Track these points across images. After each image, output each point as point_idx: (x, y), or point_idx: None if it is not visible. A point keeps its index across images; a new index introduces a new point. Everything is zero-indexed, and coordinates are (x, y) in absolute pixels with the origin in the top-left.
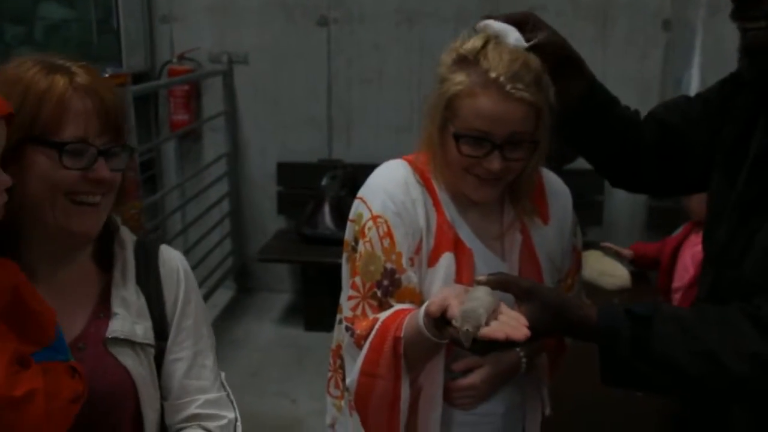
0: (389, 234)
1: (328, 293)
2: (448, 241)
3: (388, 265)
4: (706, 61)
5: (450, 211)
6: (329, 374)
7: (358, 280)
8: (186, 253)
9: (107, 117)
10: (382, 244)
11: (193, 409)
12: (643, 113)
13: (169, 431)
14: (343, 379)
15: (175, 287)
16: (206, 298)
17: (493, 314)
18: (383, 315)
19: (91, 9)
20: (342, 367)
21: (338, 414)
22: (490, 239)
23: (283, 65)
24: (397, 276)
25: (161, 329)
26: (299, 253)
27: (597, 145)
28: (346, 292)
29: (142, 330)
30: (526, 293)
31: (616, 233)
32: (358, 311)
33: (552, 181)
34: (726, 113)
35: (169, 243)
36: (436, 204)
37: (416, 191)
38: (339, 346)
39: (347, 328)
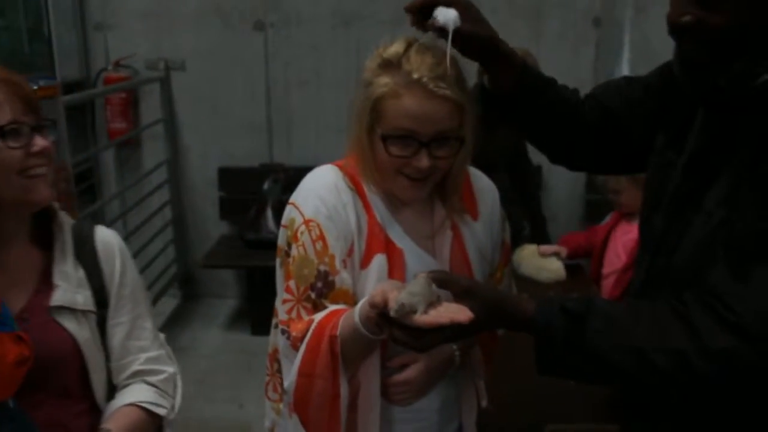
0: (322, 237)
1: (274, 297)
2: (379, 242)
3: (322, 268)
4: (635, 58)
5: (380, 212)
6: (267, 378)
7: (292, 283)
8: None
9: (27, 99)
10: (314, 247)
11: (135, 367)
12: None
13: (117, 389)
14: (281, 383)
15: (112, 260)
16: (152, 305)
17: (432, 306)
18: (318, 316)
19: (20, 17)
20: (279, 371)
21: (277, 417)
22: (422, 238)
23: (221, 70)
24: (330, 278)
25: (101, 298)
26: (243, 258)
27: (535, 126)
28: (281, 296)
29: (83, 298)
30: (465, 291)
31: (555, 227)
32: (293, 314)
33: (478, 178)
34: (666, 100)
35: None
36: (367, 206)
37: (346, 195)
38: (275, 350)
39: (283, 332)
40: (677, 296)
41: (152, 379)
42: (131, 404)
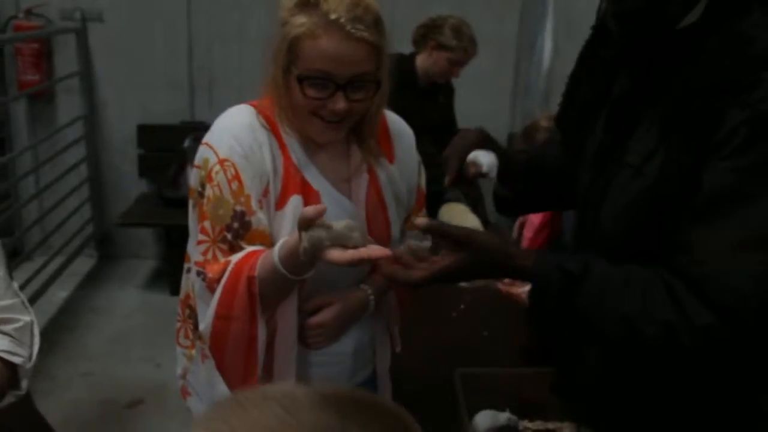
0: (237, 177)
1: None
2: (295, 183)
3: (238, 208)
4: (558, 25)
5: (296, 154)
6: (178, 324)
7: (207, 224)
8: (42, 218)
9: None
10: (230, 187)
11: None
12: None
13: None
14: (193, 329)
15: None
16: (65, 265)
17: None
18: (235, 257)
19: None
20: (191, 316)
21: (189, 364)
22: (339, 181)
23: (141, 24)
24: (246, 218)
25: None
26: (162, 217)
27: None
28: (194, 238)
29: None
30: (464, 239)
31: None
32: (209, 255)
33: (395, 121)
34: (587, 73)
35: (23, 208)
36: (282, 147)
37: (262, 135)
38: (188, 296)
39: (198, 273)
40: (667, 265)
41: (6, 327)
42: None
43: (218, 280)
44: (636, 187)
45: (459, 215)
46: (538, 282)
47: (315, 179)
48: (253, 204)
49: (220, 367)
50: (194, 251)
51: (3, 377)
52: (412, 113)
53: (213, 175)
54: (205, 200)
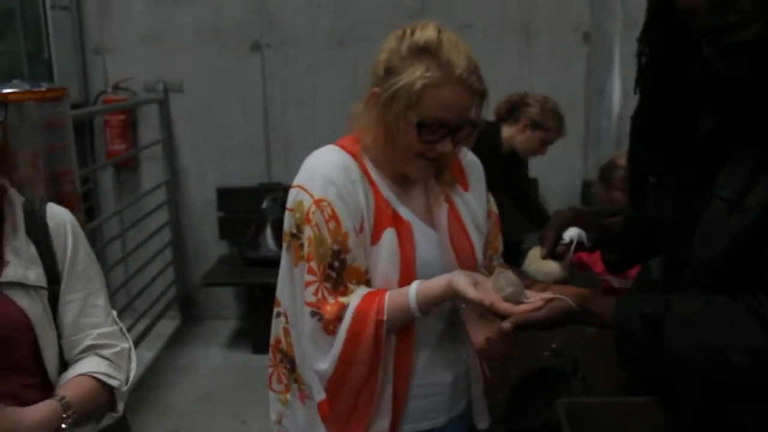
0: (334, 216)
1: None
2: (387, 217)
3: (335, 247)
4: (625, 71)
5: (384, 189)
6: (270, 370)
7: (313, 264)
8: (127, 282)
9: None
10: (328, 226)
11: (87, 342)
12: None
13: (69, 364)
14: (289, 372)
15: (64, 238)
16: (150, 328)
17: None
18: (353, 301)
19: (20, 41)
20: (282, 361)
21: (284, 408)
22: (421, 212)
23: (219, 91)
24: (342, 256)
25: (53, 275)
26: (243, 276)
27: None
28: (285, 282)
29: (34, 275)
30: (548, 324)
31: (552, 210)
32: (320, 295)
33: (464, 152)
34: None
35: (109, 271)
36: (372, 184)
37: (354, 173)
38: (278, 341)
39: (313, 314)
40: (751, 293)
41: (105, 352)
42: (84, 374)
43: (334, 322)
44: (736, 223)
45: (542, 261)
46: (620, 332)
47: (404, 212)
48: (350, 242)
49: (332, 404)
50: (306, 292)
51: (102, 398)
52: (493, 171)
53: (311, 215)
54: (306, 241)
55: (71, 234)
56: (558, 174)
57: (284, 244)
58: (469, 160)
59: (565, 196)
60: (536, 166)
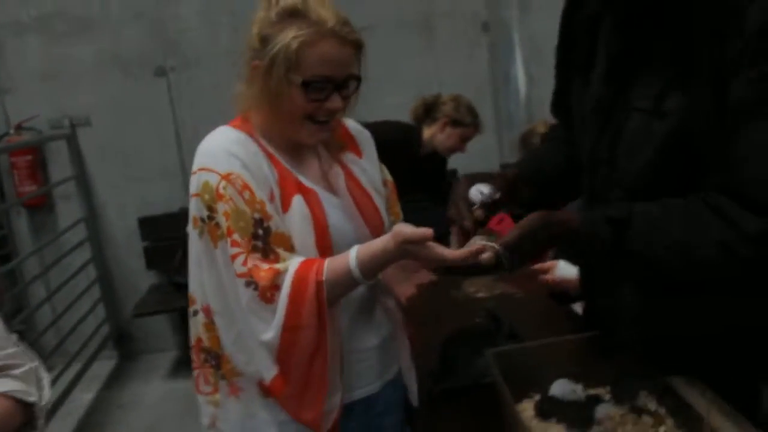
0: (246, 187)
1: None
2: (291, 185)
3: (256, 216)
4: (526, 56)
5: (282, 159)
6: (195, 373)
7: (236, 237)
8: (55, 322)
9: None
10: (243, 197)
11: None
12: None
13: None
14: (213, 373)
15: None
16: (85, 369)
17: None
18: (291, 267)
19: None
20: (207, 360)
21: (216, 410)
22: (320, 181)
23: (128, 120)
24: (266, 224)
25: None
26: (175, 302)
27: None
28: (200, 274)
29: None
30: (518, 240)
31: None
32: (250, 264)
33: (351, 123)
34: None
35: (34, 313)
36: (271, 156)
37: (252, 146)
38: (199, 340)
39: (248, 284)
40: (704, 188)
41: (14, 372)
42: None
43: (271, 288)
44: (658, 129)
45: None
46: (588, 238)
47: (305, 182)
48: (268, 208)
49: (286, 377)
50: (235, 264)
51: (20, 418)
52: (413, 175)
53: (222, 191)
54: (222, 217)
55: None
56: (476, 162)
57: (195, 233)
58: (356, 128)
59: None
60: (455, 158)
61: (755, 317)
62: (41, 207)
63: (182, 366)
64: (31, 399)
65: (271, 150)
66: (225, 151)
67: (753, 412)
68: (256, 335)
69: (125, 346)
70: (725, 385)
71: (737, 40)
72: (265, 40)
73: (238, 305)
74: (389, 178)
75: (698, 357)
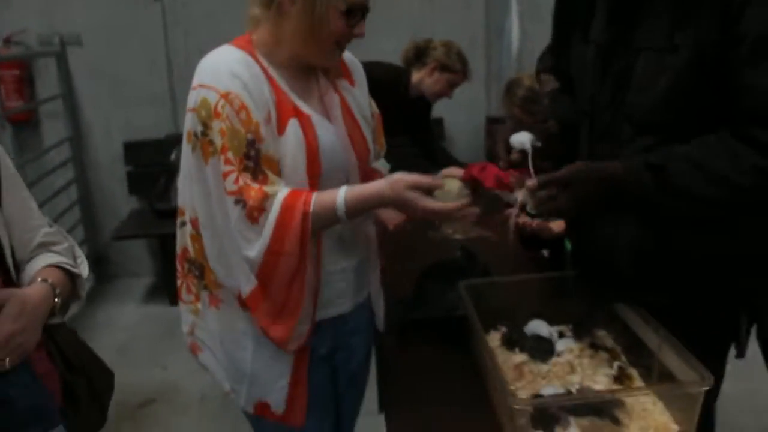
0: (243, 107)
1: None
2: (288, 109)
3: (249, 136)
4: (522, 9)
5: (282, 85)
6: (179, 282)
7: (230, 155)
8: None
9: None
10: (239, 117)
11: (38, 239)
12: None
13: (23, 264)
14: (197, 280)
15: None
16: None
17: None
18: (280, 193)
19: None
20: (191, 270)
21: (195, 318)
22: (317, 106)
23: (119, 43)
24: (257, 145)
25: None
26: (156, 228)
27: None
28: (190, 187)
29: None
30: (567, 180)
31: (459, 147)
32: (241, 182)
33: (346, 53)
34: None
35: None
36: (271, 79)
37: (255, 67)
38: (185, 250)
39: (237, 201)
40: (729, 117)
41: (56, 248)
42: (50, 266)
43: (258, 209)
44: (672, 62)
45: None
46: (633, 185)
47: (302, 106)
48: (262, 130)
49: (265, 295)
50: (226, 181)
51: (69, 286)
52: (398, 117)
53: (219, 109)
54: (218, 134)
55: None
56: (462, 113)
57: (188, 147)
58: (351, 59)
59: (472, 133)
60: (441, 106)
61: (745, 247)
62: (26, 123)
63: (158, 292)
64: (77, 271)
65: (272, 72)
66: (228, 70)
67: (732, 338)
68: (239, 250)
69: (102, 268)
70: (707, 313)
71: None
72: None
73: (226, 221)
74: (376, 110)
75: (684, 288)
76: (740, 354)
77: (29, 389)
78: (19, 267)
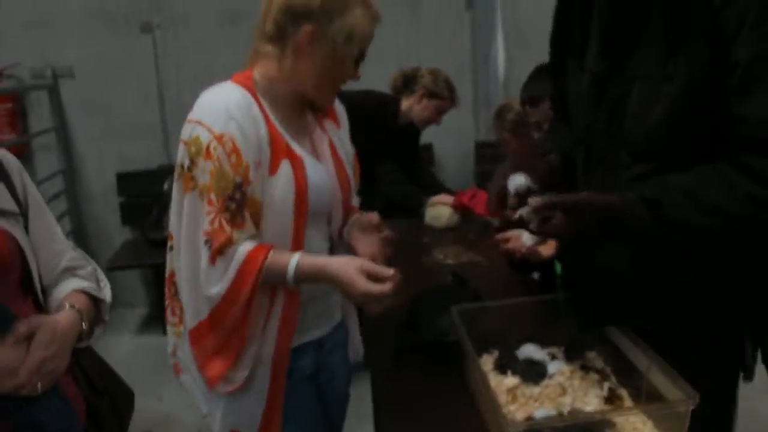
0: (235, 150)
1: None
2: (282, 149)
3: (238, 179)
4: (507, 36)
5: (277, 124)
6: (166, 303)
7: (213, 196)
8: None
9: None
10: (229, 160)
11: (63, 264)
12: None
13: (49, 288)
14: (180, 306)
15: (18, 173)
16: None
17: None
18: (245, 247)
19: None
20: (177, 293)
21: (177, 339)
22: (308, 146)
23: (111, 75)
24: (244, 188)
25: (21, 206)
26: (149, 257)
27: None
28: (177, 214)
29: (10, 204)
30: (571, 206)
31: (448, 172)
32: (216, 224)
33: None
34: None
35: None
36: (267, 118)
37: (254, 107)
38: (172, 273)
39: (206, 242)
40: (725, 145)
41: (81, 272)
42: (76, 291)
43: (219, 253)
44: (667, 91)
45: (433, 208)
46: (630, 217)
47: (295, 147)
48: (251, 174)
49: (210, 329)
50: (185, 223)
51: (93, 311)
52: (388, 144)
53: (211, 151)
54: (207, 175)
55: (21, 171)
56: (451, 139)
57: (175, 175)
58: (336, 100)
59: (461, 159)
60: (431, 133)
61: (743, 272)
62: (20, 156)
63: (153, 322)
64: (101, 296)
65: (268, 111)
66: (225, 112)
67: (737, 365)
68: (203, 290)
69: None
70: (713, 341)
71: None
72: (329, 10)
73: (189, 252)
74: (353, 150)
75: (684, 313)
76: (748, 377)
77: (59, 413)
78: (45, 291)
